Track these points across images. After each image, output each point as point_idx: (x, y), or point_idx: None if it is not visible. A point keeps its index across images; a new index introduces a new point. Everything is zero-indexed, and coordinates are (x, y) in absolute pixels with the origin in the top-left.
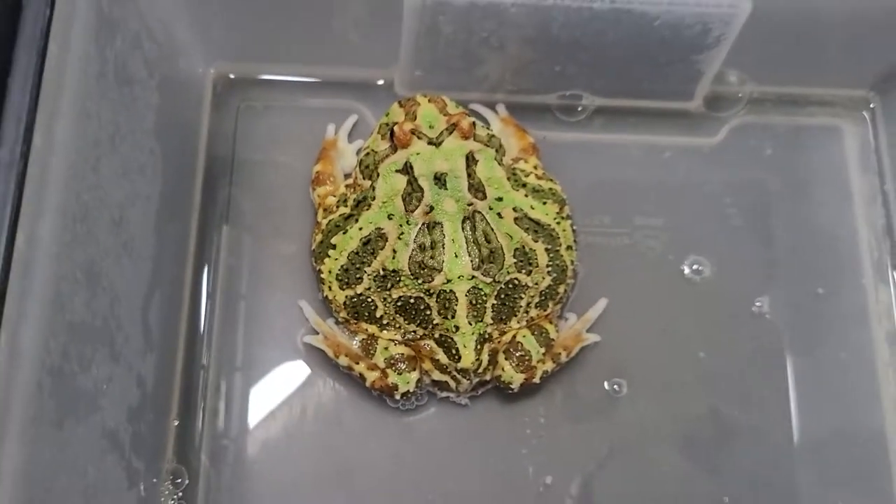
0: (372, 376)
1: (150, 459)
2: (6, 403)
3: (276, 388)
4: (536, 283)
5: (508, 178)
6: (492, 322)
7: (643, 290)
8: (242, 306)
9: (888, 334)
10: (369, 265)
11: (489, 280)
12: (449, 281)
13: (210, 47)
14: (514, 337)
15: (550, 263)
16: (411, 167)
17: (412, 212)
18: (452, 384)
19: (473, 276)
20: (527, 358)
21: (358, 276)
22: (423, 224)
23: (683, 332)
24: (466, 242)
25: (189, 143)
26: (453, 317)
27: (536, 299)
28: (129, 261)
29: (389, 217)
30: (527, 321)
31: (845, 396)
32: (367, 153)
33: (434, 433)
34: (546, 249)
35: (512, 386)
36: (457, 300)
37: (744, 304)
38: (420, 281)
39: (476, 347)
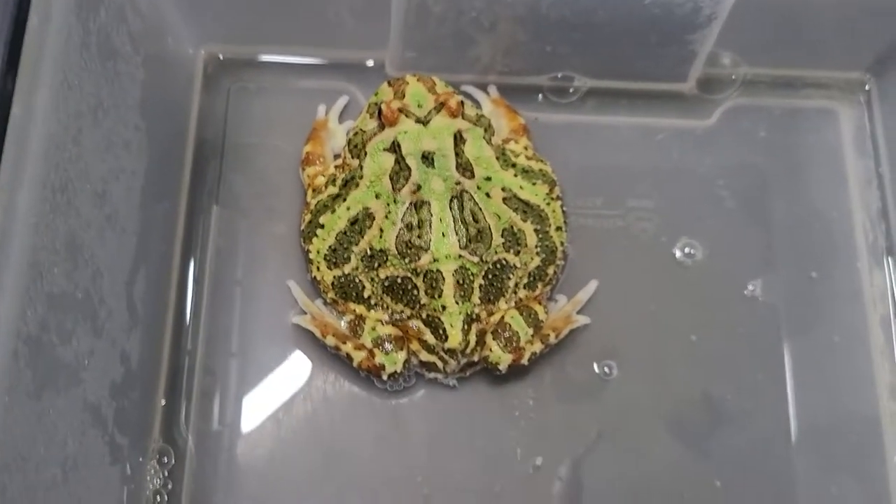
0: (359, 356)
1: (135, 437)
2: None
3: (264, 370)
4: (525, 264)
5: (498, 158)
6: (479, 302)
7: (635, 273)
8: (232, 287)
9: (882, 318)
10: (356, 245)
11: (476, 260)
12: (436, 260)
13: (199, 27)
14: (503, 318)
15: (539, 244)
16: (399, 146)
17: (399, 191)
18: (440, 365)
19: (460, 256)
20: (515, 338)
21: (345, 255)
22: (411, 203)
23: (675, 314)
24: (454, 222)
25: (178, 123)
26: (440, 296)
27: (525, 280)
28: (112, 235)
29: (377, 196)
30: (515, 302)
31: (839, 381)
32: (356, 132)
33: (422, 414)
34: (535, 230)
35: (500, 367)
36: (444, 280)
37: (736, 288)
38: (407, 260)
39: (463, 327)
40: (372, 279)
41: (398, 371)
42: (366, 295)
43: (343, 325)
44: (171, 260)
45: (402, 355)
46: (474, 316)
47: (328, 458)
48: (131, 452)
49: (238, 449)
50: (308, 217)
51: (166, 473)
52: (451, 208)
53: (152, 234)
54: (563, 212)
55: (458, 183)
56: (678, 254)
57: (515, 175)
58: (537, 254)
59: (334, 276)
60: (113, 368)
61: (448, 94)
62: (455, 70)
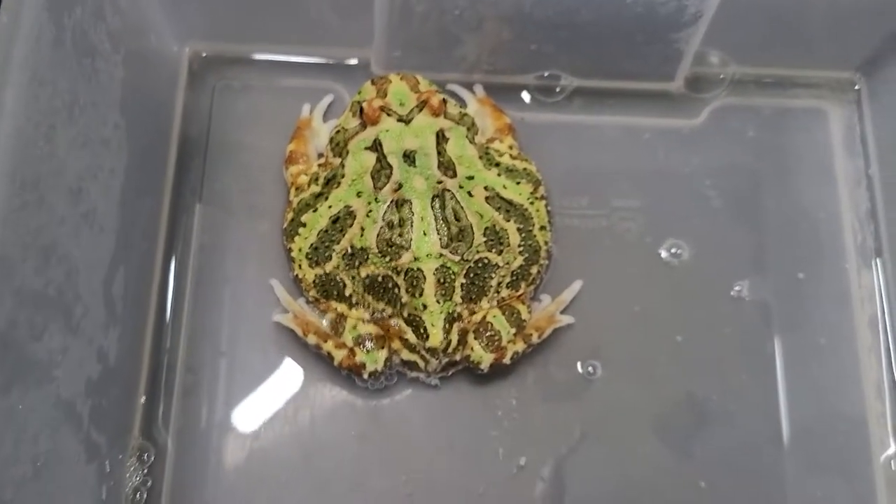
0: (340, 355)
1: (114, 434)
2: None
3: (246, 368)
4: (508, 263)
5: (481, 157)
6: (461, 301)
7: (620, 273)
8: (214, 285)
9: (870, 319)
10: (338, 243)
11: (457, 259)
12: (417, 259)
13: (183, 25)
14: (485, 317)
15: (522, 243)
16: (380, 144)
17: (381, 189)
18: (421, 364)
19: (441, 255)
20: (497, 338)
21: (327, 254)
22: (392, 201)
23: (661, 315)
24: (435, 220)
25: (161, 120)
26: (421, 295)
27: (508, 279)
28: (89, 232)
29: (358, 195)
30: (498, 301)
31: (826, 381)
32: (338, 130)
33: (404, 414)
34: (518, 229)
35: (481, 366)
36: (425, 278)
37: (723, 288)
38: (388, 259)
39: (444, 326)
40: (353, 277)
41: (379, 370)
42: (347, 293)
43: (324, 323)
44: (154, 258)
45: (382, 354)
46: (455, 315)
47: (309, 457)
48: (110, 450)
49: (219, 446)
50: (290, 215)
51: (146, 470)
52: (432, 207)
53: (133, 231)
54: (548, 211)
55: (439, 182)
56: (664, 254)
57: (499, 174)
58: (520, 253)
59: (316, 275)
60: (89, 366)
61: (430, 93)
62: (441, 69)
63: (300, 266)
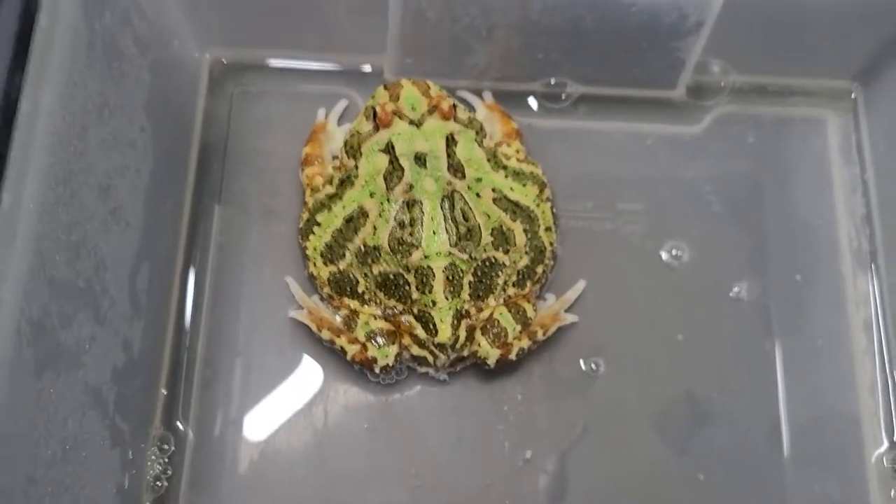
0: (352, 350)
1: (137, 424)
2: None
3: (262, 362)
4: (514, 262)
5: (489, 160)
6: (469, 298)
7: (623, 274)
8: (233, 282)
9: (865, 321)
10: (351, 242)
11: (466, 257)
12: (427, 257)
13: (205, 32)
14: (492, 314)
15: (528, 243)
16: (393, 147)
17: (393, 190)
18: (431, 359)
19: (450, 253)
20: (503, 334)
21: (341, 252)
22: (404, 202)
23: (662, 315)
24: (444, 220)
25: (183, 124)
26: (431, 292)
27: (514, 278)
28: (116, 228)
29: (371, 195)
30: (505, 299)
31: (821, 381)
32: (352, 134)
33: (413, 408)
34: (524, 230)
35: (488, 361)
36: (434, 276)
37: (722, 290)
38: (399, 257)
39: (453, 323)
40: (365, 275)
41: (390, 364)
42: (360, 290)
43: (338, 319)
44: (175, 255)
45: (393, 349)
46: (464, 312)
47: (322, 448)
48: (133, 438)
49: (236, 437)
50: (306, 215)
51: (166, 460)
52: (442, 207)
53: (157, 230)
54: (553, 213)
55: (449, 183)
56: (665, 256)
57: (506, 177)
58: (526, 253)
59: (330, 272)
60: (114, 355)
61: (441, 98)
62: (452, 76)
63: (315, 264)
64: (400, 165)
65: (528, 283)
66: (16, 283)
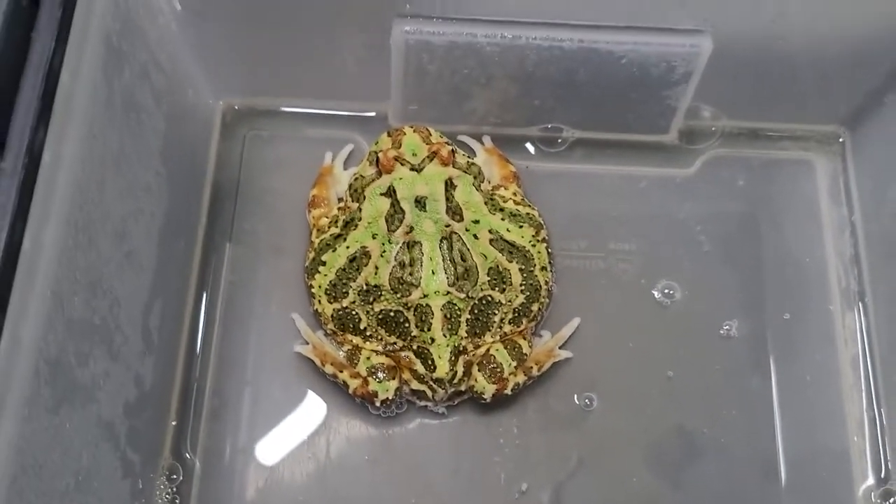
0: (354, 384)
1: (147, 454)
2: (6, 384)
3: (268, 395)
4: (510, 301)
5: (486, 203)
6: (466, 335)
7: (616, 312)
8: (241, 318)
9: (853, 358)
10: (354, 280)
11: (463, 296)
12: (426, 296)
13: (218, 81)
14: (488, 350)
15: (524, 283)
16: (394, 191)
17: (394, 231)
18: (429, 393)
19: (449, 292)
20: (499, 370)
21: (344, 290)
22: (404, 243)
23: (653, 351)
24: (443, 260)
25: (197, 167)
26: (429, 329)
27: (510, 316)
28: (131, 269)
29: (374, 236)
30: (501, 336)
31: (811, 416)
32: (357, 178)
33: (413, 440)
34: (520, 269)
35: (484, 396)
36: (433, 314)
37: (713, 327)
38: (399, 295)
39: (451, 359)
40: (367, 312)
41: (390, 398)
42: (362, 327)
43: (341, 354)
44: (186, 293)
45: (393, 384)
46: (461, 348)
47: (324, 478)
48: (143, 468)
49: (242, 467)
50: (312, 255)
51: (175, 489)
52: (440, 248)
53: (169, 269)
54: (549, 253)
55: (447, 225)
56: (657, 294)
57: (503, 219)
58: (522, 291)
59: (334, 309)
60: (127, 390)
61: (441, 144)
62: (452, 121)
63: (319, 301)
64: (401, 208)
65: (524, 321)
66: (35, 323)
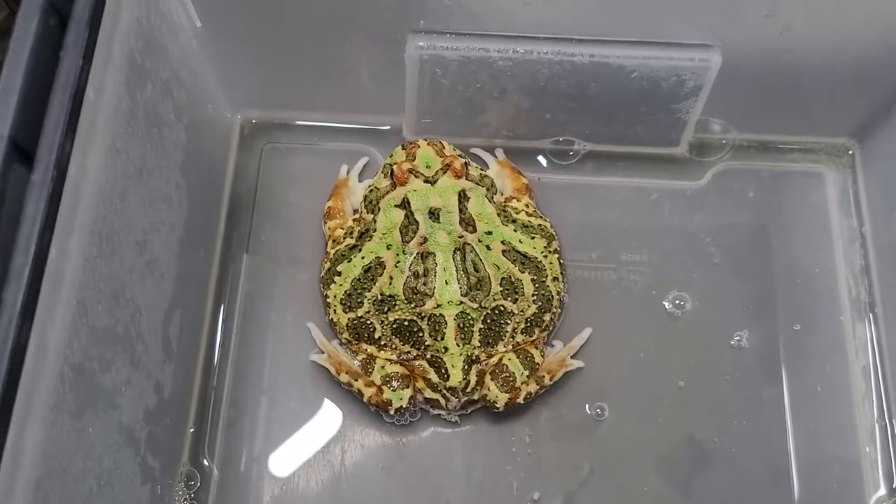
0: (369, 392)
1: (166, 461)
2: (32, 390)
3: (283, 403)
4: (522, 311)
5: (499, 215)
6: (479, 345)
7: (627, 322)
8: (258, 327)
9: (864, 368)
10: (369, 290)
11: (476, 306)
12: (439, 305)
13: (236, 95)
14: (501, 359)
15: (536, 293)
16: (408, 202)
17: (408, 242)
18: (442, 402)
19: (462, 302)
20: (511, 379)
21: (359, 300)
22: (418, 254)
23: (664, 361)
24: (456, 271)
25: (215, 179)
26: (443, 339)
27: (522, 325)
28: (151, 279)
29: (388, 247)
30: (513, 346)
31: (821, 426)
32: (371, 190)
33: (426, 448)
34: (532, 280)
35: (497, 405)
36: (446, 323)
37: (723, 338)
38: (413, 305)
39: (464, 368)
40: (382, 322)
41: (404, 406)
42: (376, 336)
43: (356, 363)
44: (205, 302)
45: (407, 392)
46: (474, 357)
47: (339, 485)
48: (162, 475)
49: (258, 474)
50: (327, 265)
51: (192, 495)
52: (454, 259)
53: (188, 279)
54: (561, 264)
55: (461, 236)
56: (668, 305)
57: (515, 230)
58: (534, 302)
59: (349, 319)
60: (147, 397)
61: (454, 157)
62: (466, 134)
63: (335, 311)
64: (415, 220)
65: (536, 331)
66: (61, 330)
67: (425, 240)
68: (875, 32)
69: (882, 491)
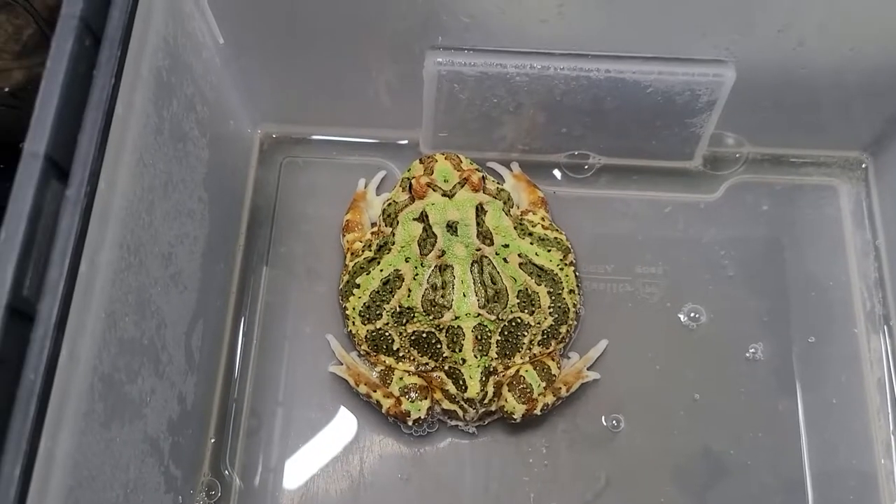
0: (387, 403)
1: (188, 470)
2: (64, 399)
3: (303, 413)
4: (539, 323)
5: (515, 228)
6: (496, 356)
7: (642, 334)
8: (278, 339)
9: (879, 381)
10: (388, 303)
11: (493, 318)
12: (457, 318)
13: (257, 111)
14: (518, 371)
15: (552, 305)
16: (427, 216)
17: (426, 255)
18: (460, 413)
19: (479, 314)
20: (528, 390)
21: (378, 312)
22: (436, 266)
23: (680, 374)
24: (474, 283)
25: (236, 193)
26: (461, 350)
27: (539, 337)
28: (175, 291)
29: (406, 260)
30: (530, 357)
31: (837, 439)
32: (390, 203)
33: (444, 459)
34: (549, 292)
35: (514, 416)
36: (464, 335)
37: (738, 350)
38: (431, 317)
39: (481, 379)
40: (400, 333)
41: (422, 417)
42: (395, 348)
43: (374, 375)
44: (226, 314)
45: (425, 403)
46: (492, 369)
47: (357, 495)
48: (184, 485)
49: (277, 483)
50: (346, 277)
51: None
52: (471, 271)
53: (210, 291)
54: (577, 276)
55: (478, 249)
56: (683, 318)
57: (531, 243)
58: (550, 314)
59: (367, 331)
60: (171, 407)
61: (471, 171)
62: (482, 148)
63: (353, 323)
64: (433, 233)
65: (553, 343)
66: (91, 342)
67: (443, 252)
68: (887, 47)
69: None
